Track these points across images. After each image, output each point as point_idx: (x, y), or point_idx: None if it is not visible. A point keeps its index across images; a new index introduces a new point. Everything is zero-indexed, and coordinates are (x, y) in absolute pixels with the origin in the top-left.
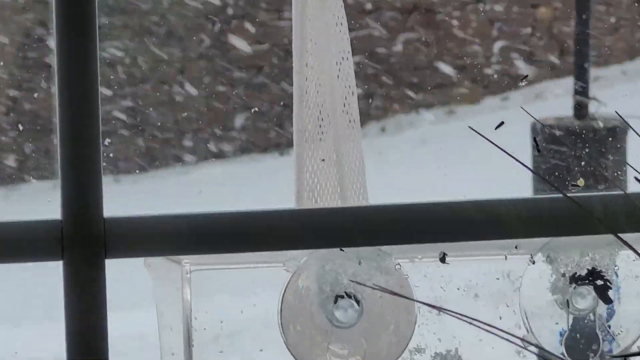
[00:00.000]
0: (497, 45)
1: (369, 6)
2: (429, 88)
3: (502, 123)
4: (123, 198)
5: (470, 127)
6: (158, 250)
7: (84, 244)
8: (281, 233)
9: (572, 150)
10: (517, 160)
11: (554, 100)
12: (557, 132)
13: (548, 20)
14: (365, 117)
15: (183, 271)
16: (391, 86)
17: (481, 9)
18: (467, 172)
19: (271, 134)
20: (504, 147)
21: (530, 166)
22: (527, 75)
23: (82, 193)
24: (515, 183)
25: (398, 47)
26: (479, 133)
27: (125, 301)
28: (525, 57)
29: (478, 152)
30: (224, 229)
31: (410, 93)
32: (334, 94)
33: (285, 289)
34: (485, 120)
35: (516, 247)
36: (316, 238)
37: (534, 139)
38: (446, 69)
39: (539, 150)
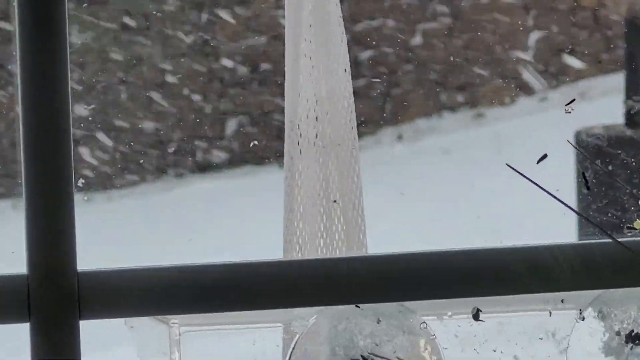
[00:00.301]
0: (533, 37)
1: None
2: (453, 87)
3: (544, 156)
4: (94, 222)
5: (507, 164)
6: (141, 309)
7: (54, 303)
8: (285, 287)
9: (623, 171)
10: (560, 201)
11: (601, 101)
12: (607, 147)
13: (593, 6)
14: (379, 122)
15: (171, 333)
16: (409, 85)
17: None
18: (497, 189)
19: (268, 142)
20: (541, 161)
21: (576, 202)
22: (574, 100)
23: (51, 243)
24: (557, 209)
25: (417, 40)
26: (515, 170)
27: None
28: (566, 50)
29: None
30: (218, 284)
31: (431, 93)
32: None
33: (291, 354)
34: (520, 124)
35: (562, 301)
36: (327, 293)
37: (583, 175)
38: (473, 63)
39: (588, 188)
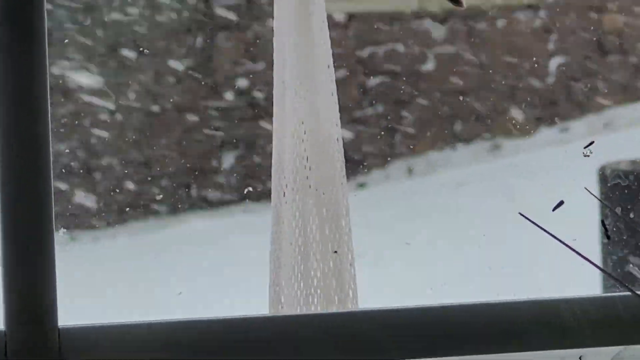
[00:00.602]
0: (554, 62)
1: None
2: (468, 116)
3: (561, 203)
4: (79, 266)
5: (520, 213)
6: None
7: None
8: (282, 345)
9: None
10: (576, 252)
11: (628, 131)
12: (635, 186)
13: (617, 29)
14: (388, 155)
15: None
16: (421, 114)
17: (534, 17)
18: (514, 227)
19: (268, 174)
20: (563, 198)
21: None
22: (592, 142)
23: (31, 297)
24: (576, 257)
25: (429, 65)
26: (529, 219)
27: None
28: (588, 76)
29: (530, 199)
30: (208, 339)
31: (445, 123)
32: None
33: None
34: (539, 157)
35: (580, 359)
36: (316, 349)
37: (602, 223)
38: (490, 91)
39: (608, 237)
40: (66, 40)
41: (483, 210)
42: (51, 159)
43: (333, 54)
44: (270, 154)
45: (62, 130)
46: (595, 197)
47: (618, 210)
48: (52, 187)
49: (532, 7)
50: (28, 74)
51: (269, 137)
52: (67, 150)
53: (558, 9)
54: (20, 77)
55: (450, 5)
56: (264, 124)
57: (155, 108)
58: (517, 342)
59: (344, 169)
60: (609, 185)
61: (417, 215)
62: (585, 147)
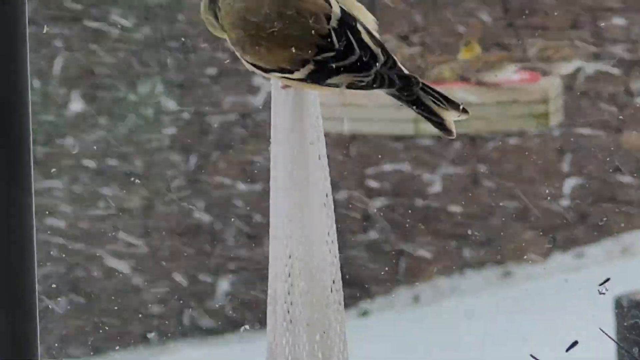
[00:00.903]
0: (569, 184)
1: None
2: (477, 241)
3: (575, 343)
4: None
5: (532, 355)
6: None
7: None
8: None
9: None
10: None
11: None
12: None
13: (637, 148)
14: (392, 281)
15: None
16: (427, 238)
17: (547, 136)
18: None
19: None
20: (577, 335)
21: None
22: (608, 279)
23: None
24: None
25: (436, 187)
26: None
27: None
28: (606, 199)
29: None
30: None
31: (453, 247)
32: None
33: None
34: (552, 285)
35: None
36: None
37: None
38: (500, 214)
39: None
40: None
41: (491, 348)
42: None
43: (334, 174)
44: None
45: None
46: (611, 338)
47: (635, 351)
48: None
49: (545, 125)
50: None
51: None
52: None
53: (573, 128)
54: None
55: (459, 128)
56: (260, 245)
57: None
58: None
59: (341, 309)
60: (625, 324)
61: (421, 350)
62: (600, 285)
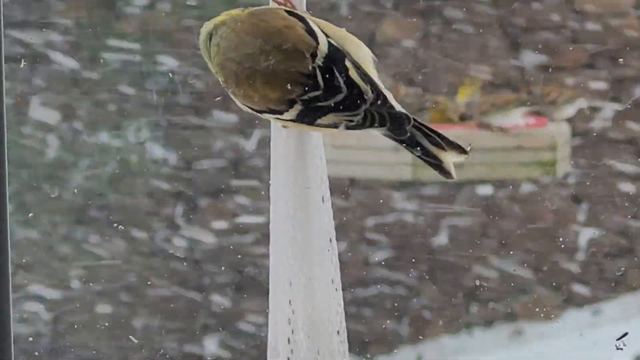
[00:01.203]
0: (585, 236)
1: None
2: (485, 297)
3: (625, 334)
4: None
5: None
6: None
7: None
8: None
9: None
10: None
11: None
12: None
13: None
14: (394, 340)
15: None
16: (432, 294)
17: (560, 182)
18: None
19: None
20: None
21: None
22: (626, 334)
23: None
24: None
25: (442, 238)
26: None
27: None
28: (624, 251)
29: None
30: None
31: (459, 303)
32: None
33: None
34: (565, 346)
35: None
36: None
37: None
38: (510, 267)
39: None
40: None
41: None
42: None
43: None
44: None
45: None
46: None
47: None
48: None
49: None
50: None
51: (257, 317)
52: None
53: (589, 176)
54: None
55: (460, 175)
56: (254, 302)
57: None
58: None
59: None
60: None
61: None
62: (618, 339)
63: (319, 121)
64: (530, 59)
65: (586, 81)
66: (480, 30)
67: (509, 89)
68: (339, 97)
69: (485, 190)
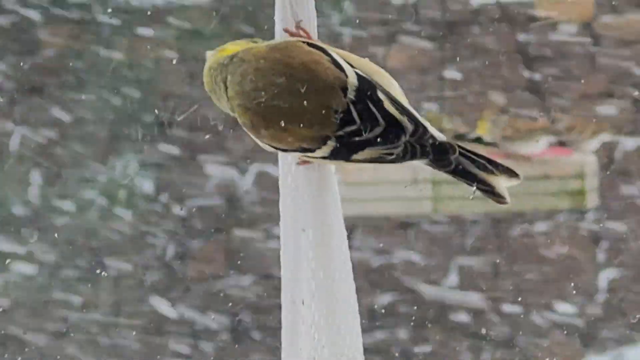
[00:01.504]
0: (605, 276)
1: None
2: (498, 340)
3: None
4: None
5: None
6: None
7: None
8: None
9: None
10: None
11: None
12: None
13: None
14: None
15: None
16: (440, 338)
17: (579, 221)
18: None
19: None
20: None
21: None
22: None
23: None
24: None
25: (452, 279)
26: None
27: None
28: None
29: None
30: None
31: (471, 345)
32: None
33: None
34: None
35: None
36: None
37: None
38: (524, 312)
39: None
40: None
41: None
42: None
43: None
44: None
45: None
46: None
47: None
48: None
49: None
50: None
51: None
52: None
53: (609, 211)
54: None
55: (482, 207)
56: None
57: None
58: None
59: None
60: None
61: None
62: None
63: (355, 156)
64: (555, 87)
65: (607, 110)
66: (500, 58)
67: (530, 117)
68: (377, 130)
69: (500, 226)
